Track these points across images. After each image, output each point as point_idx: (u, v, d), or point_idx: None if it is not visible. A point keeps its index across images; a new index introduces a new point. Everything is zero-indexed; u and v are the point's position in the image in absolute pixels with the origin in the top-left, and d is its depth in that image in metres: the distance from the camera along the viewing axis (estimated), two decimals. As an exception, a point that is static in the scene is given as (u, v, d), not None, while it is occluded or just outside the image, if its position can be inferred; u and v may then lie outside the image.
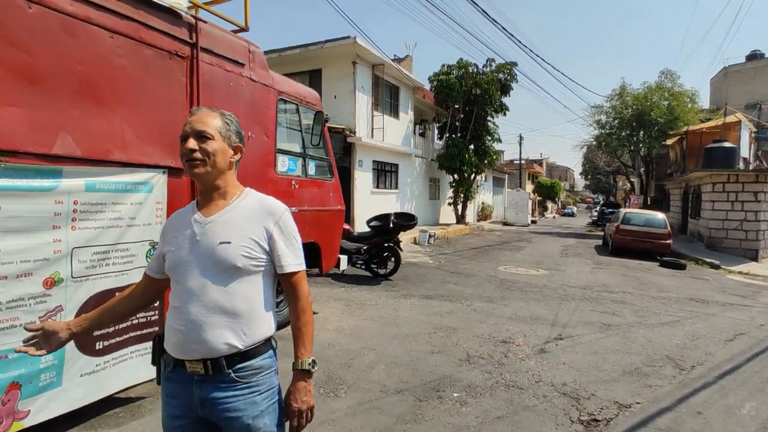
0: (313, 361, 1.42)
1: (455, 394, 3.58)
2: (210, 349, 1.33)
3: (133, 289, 1.60)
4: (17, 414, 2.50)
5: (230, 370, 1.34)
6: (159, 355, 1.48)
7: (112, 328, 3.00)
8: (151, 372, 2.40)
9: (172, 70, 3.41)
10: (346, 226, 7.82)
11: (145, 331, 3.22)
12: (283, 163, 4.71)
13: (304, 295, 1.48)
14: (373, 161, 15.94)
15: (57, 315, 2.69)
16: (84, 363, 2.86)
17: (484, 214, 28.41)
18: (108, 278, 2.95)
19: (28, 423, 2.55)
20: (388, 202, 16.57)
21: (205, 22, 3.73)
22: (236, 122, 1.51)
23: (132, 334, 3.15)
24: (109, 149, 2.95)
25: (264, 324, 1.41)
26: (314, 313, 5.82)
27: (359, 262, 8.25)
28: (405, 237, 12.39)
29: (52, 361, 2.67)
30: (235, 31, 4.26)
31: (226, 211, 1.42)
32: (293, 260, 1.45)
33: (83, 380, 2.86)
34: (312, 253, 5.38)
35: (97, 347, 2.93)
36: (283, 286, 1.49)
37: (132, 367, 3.17)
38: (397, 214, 8.31)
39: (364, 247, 8.16)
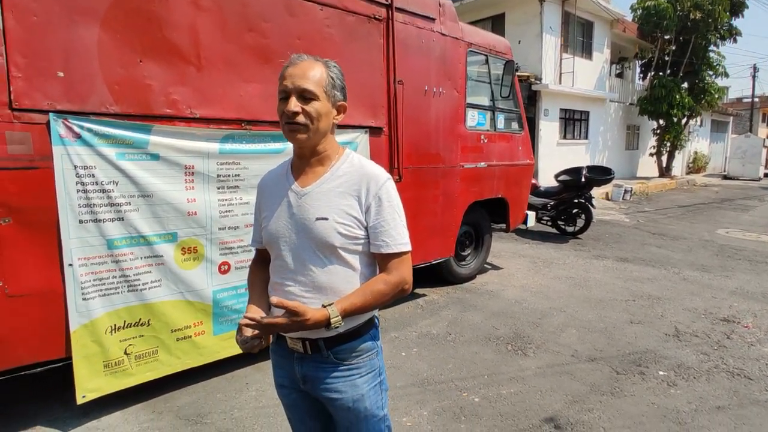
0: (339, 321, 1.17)
1: (661, 372, 3.23)
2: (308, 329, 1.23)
3: (258, 269, 1.45)
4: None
5: (329, 352, 1.27)
6: None
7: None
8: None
9: (370, 33, 3.59)
10: (533, 181, 7.48)
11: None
12: (472, 118, 4.65)
13: (400, 279, 1.25)
14: (560, 109, 14.63)
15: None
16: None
17: (696, 166, 23.93)
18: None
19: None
20: (576, 154, 15.15)
21: (398, -20, 3.79)
22: (341, 75, 1.30)
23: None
24: (323, 114, 3.31)
25: None
26: (499, 268, 5.81)
27: (545, 218, 7.86)
28: (596, 192, 11.29)
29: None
30: (425, -15, 4.24)
31: (324, 180, 1.27)
32: (392, 239, 1.24)
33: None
34: (500, 209, 5.31)
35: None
36: (379, 266, 1.30)
37: None
38: (590, 167, 7.59)
39: (552, 203, 7.70)
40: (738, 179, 22.10)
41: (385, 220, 1.24)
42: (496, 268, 5.86)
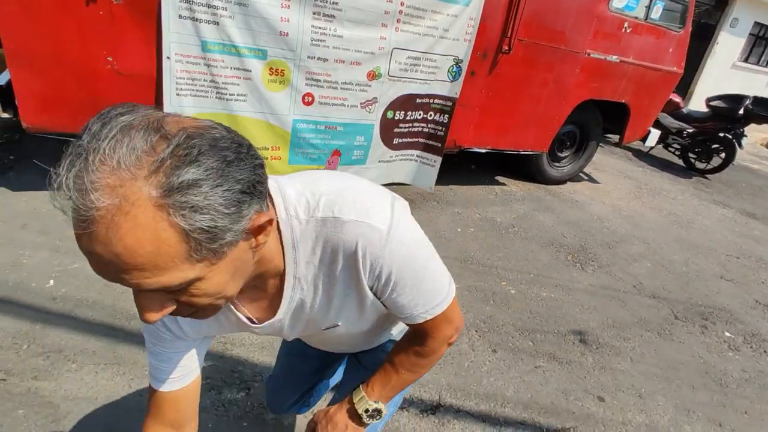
0: (378, 411, 0.95)
1: (727, 334, 2.93)
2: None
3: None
4: (333, 173, 3.29)
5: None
6: None
7: (407, 129, 3.41)
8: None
9: None
10: (676, 98, 6.39)
11: (431, 142, 3.55)
12: (622, -2, 3.87)
13: (437, 341, 0.91)
14: (755, 23, 11.71)
15: (372, 105, 3.18)
16: (382, 152, 3.42)
17: None
18: (413, 83, 3.24)
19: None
20: (754, 85, 12.44)
21: None
22: (224, 185, 0.52)
23: (420, 140, 3.53)
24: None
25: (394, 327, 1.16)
26: (596, 182, 5.33)
27: (675, 145, 6.82)
28: (755, 134, 9.45)
29: (363, 142, 3.28)
30: None
31: (290, 299, 0.80)
32: (418, 310, 0.83)
33: (378, 165, 3.46)
34: (618, 117, 4.66)
35: (394, 142, 3.43)
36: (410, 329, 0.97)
37: (408, 169, 3.63)
38: (758, 100, 6.22)
39: (690, 130, 6.59)
40: None
41: (401, 295, 0.80)
42: (592, 180, 5.37)
